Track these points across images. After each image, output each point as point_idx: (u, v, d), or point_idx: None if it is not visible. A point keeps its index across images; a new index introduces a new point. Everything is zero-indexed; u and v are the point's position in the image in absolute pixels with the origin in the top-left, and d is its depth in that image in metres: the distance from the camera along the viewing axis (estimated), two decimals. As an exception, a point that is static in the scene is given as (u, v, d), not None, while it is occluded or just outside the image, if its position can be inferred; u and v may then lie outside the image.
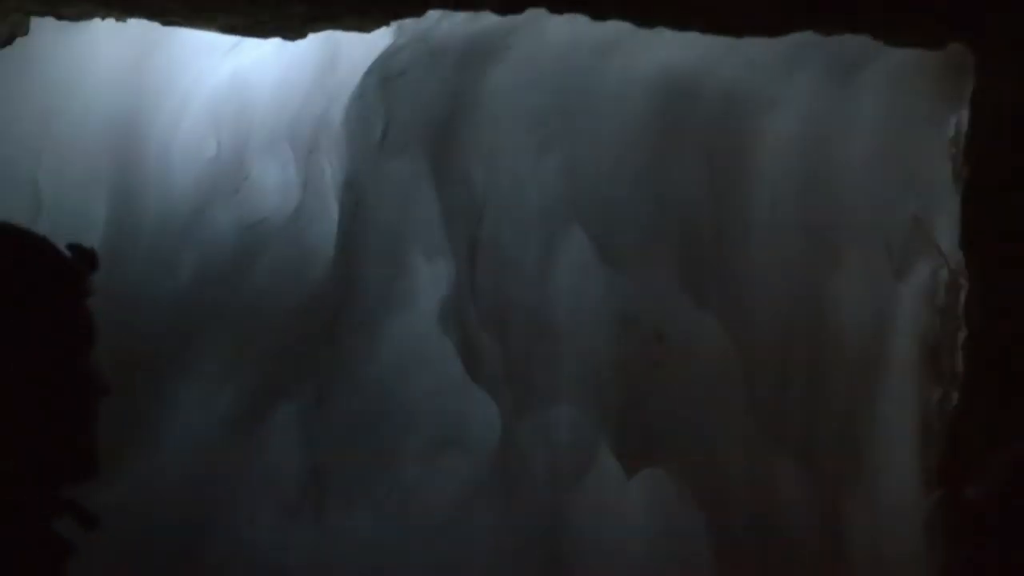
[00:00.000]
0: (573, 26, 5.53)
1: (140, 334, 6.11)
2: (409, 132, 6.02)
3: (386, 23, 5.76)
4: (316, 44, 5.97)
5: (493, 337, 5.90)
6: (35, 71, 6.07)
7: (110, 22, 5.89)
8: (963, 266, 5.25)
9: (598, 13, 5.26)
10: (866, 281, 5.52)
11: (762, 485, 5.61)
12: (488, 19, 5.65)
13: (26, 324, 1.81)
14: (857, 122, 5.50)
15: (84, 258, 1.88)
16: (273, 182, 6.33)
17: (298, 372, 6.14)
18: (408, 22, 5.76)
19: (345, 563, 5.92)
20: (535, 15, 5.37)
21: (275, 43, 5.93)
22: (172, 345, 6.19)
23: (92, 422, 1.87)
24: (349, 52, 6.13)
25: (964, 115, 5.28)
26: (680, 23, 5.26)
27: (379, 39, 5.93)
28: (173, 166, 6.32)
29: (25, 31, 5.89)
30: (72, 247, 1.88)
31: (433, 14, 5.65)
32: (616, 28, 5.37)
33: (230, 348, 6.23)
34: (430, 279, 6.07)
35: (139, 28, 5.94)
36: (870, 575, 5.41)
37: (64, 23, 5.92)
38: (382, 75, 6.02)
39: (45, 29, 5.93)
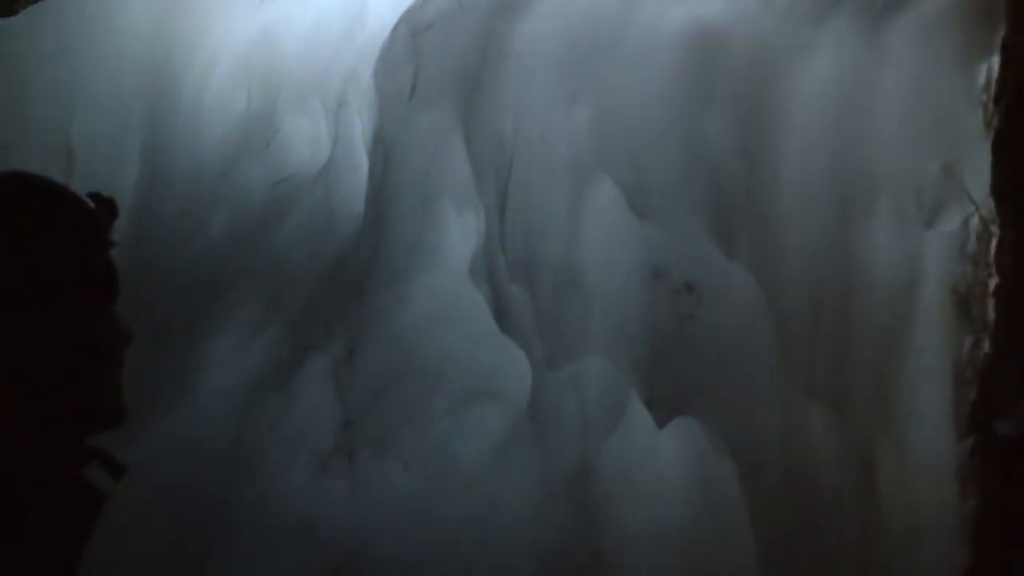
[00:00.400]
0: (601, -24, 5.52)
1: (172, 288, 6.15)
2: (438, 85, 6.01)
3: (414, -24, 5.73)
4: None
5: (523, 289, 5.90)
6: (67, 27, 6.08)
7: (141, -25, 5.91)
8: (994, 214, 5.23)
9: (627, -37, 5.22)
10: (896, 230, 5.49)
11: (794, 434, 5.60)
12: (516, -29, 5.64)
13: (48, 274, 1.82)
14: (887, 70, 5.46)
15: (104, 207, 1.89)
16: (303, 136, 6.34)
17: (329, 326, 6.17)
18: (436, -24, 5.75)
19: (377, 516, 5.96)
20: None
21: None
22: (204, 299, 6.21)
23: (117, 370, 1.89)
24: (377, 6, 6.13)
25: (995, 62, 5.24)
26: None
27: (406, -7, 5.93)
28: (203, 120, 6.35)
29: (57, -15, 5.91)
30: (92, 196, 1.89)
31: (461, -34, 5.63)
32: (645, -22, 5.35)
33: (261, 303, 6.26)
34: (460, 232, 6.07)
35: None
36: (902, 523, 5.40)
37: (95, -24, 5.93)
38: (411, 28, 6.01)
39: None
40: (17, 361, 1.80)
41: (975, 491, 5.15)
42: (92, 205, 1.87)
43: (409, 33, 6.02)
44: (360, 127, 6.23)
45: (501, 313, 5.95)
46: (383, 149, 6.10)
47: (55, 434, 1.84)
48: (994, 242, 5.26)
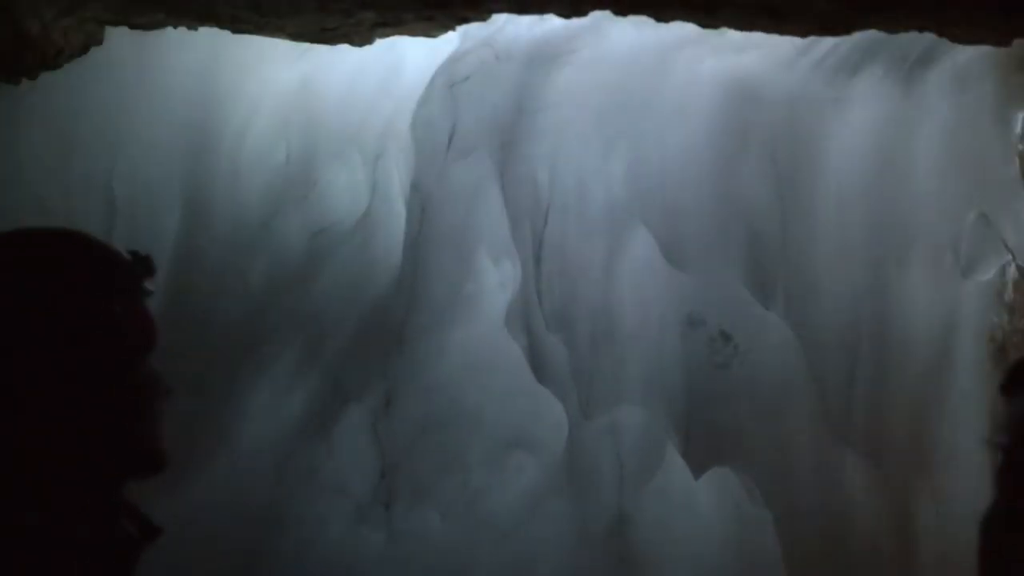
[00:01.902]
0: (637, 29, 5.55)
1: (212, 339, 6.19)
2: (475, 136, 6.06)
3: (452, 28, 5.79)
4: (382, 50, 6.01)
5: (559, 339, 5.93)
6: (109, 80, 6.15)
7: (181, 31, 5.97)
8: (1030, 263, 5.23)
9: (661, 15, 5.25)
10: (933, 279, 5.50)
11: (830, 484, 5.59)
12: (552, 22, 5.68)
13: (84, 327, 1.85)
14: (923, 121, 5.48)
15: (141, 263, 1.92)
16: (341, 187, 6.39)
17: (367, 375, 6.19)
18: (473, 27, 5.79)
19: (414, 565, 5.97)
20: (599, 18, 5.38)
21: (342, 49, 5.98)
22: (244, 350, 6.25)
23: (155, 423, 1.90)
24: (415, 57, 6.18)
25: (1031, 112, 5.26)
26: (744, 24, 5.25)
27: (445, 44, 5.97)
28: (243, 172, 6.39)
29: (99, 40, 5.98)
30: (131, 252, 1.92)
31: (498, 18, 5.68)
32: (680, 30, 5.37)
33: (300, 353, 6.29)
34: (496, 282, 6.10)
35: (209, 37, 6.01)
36: (938, 572, 5.38)
37: (136, 33, 6.00)
38: (448, 80, 6.06)
39: (118, 38, 6.01)
40: (53, 411, 1.82)
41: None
42: (128, 259, 1.91)
43: (446, 84, 6.07)
44: (398, 178, 6.28)
45: (537, 363, 5.97)
46: (420, 199, 6.14)
47: (91, 483, 1.84)
48: (1030, 291, 5.26)
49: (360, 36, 5.88)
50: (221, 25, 5.88)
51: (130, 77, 6.19)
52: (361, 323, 6.23)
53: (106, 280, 1.88)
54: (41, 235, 1.89)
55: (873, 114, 5.55)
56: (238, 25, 5.86)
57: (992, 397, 5.41)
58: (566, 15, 5.45)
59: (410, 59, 6.20)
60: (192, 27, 6.04)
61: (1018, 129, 5.33)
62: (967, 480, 5.40)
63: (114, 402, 1.85)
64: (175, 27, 5.95)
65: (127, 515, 1.87)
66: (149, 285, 1.91)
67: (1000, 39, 5.15)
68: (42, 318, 1.82)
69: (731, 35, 5.39)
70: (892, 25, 5.16)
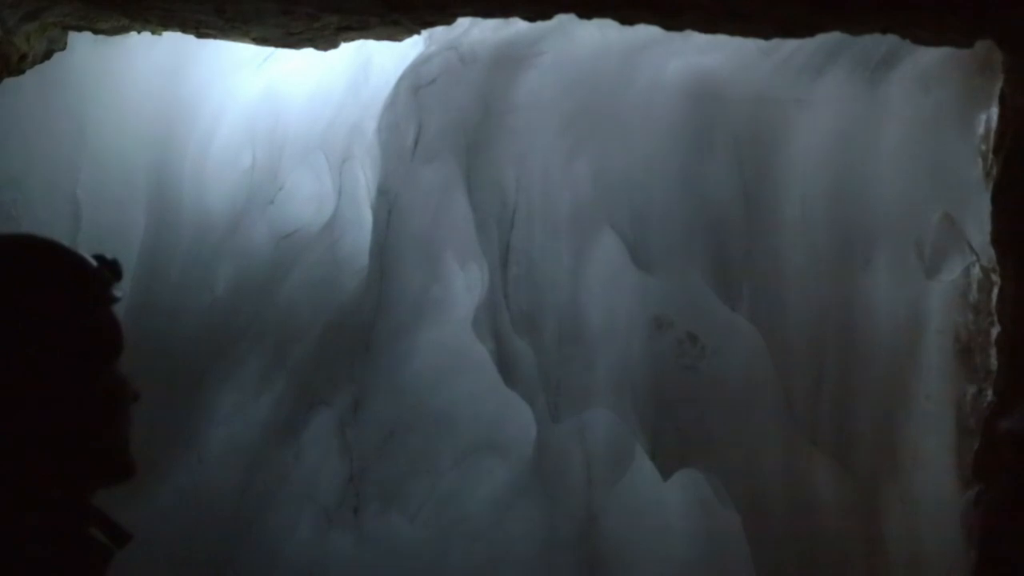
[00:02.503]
0: (602, 31, 5.56)
1: (179, 345, 6.17)
2: (441, 139, 6.06)
3: (417, 32, 5.79)
4: (348, 54, 6.02)
5: (527, 342, 5.93)
6: (73, 86, 6.13)
7: (145, 36, 5.95)
8: (995, 263, 5.25)
9: (626, 17, 5.26)
10: (898, 280, 5.52)
11: (798, 484, 5.61)
12: (518, 25, 5.68)
13: (52, 333, 1.84)
14: (887, 121, 5.50)
15: (107, 267, 1.91)
16: (308, 192, 6.39)
17: (335, 380, 6.19)
18: (438, 30, 5.79)
19: (383, 568, 5.96)
20: (564, 20, 5.39)
21: (308, 54, 5.98)
22: (210, 355, 6.24)
23: (124, 426, 1.90)
24: (380, 62, 6.18)
25: (994, 113, 5.28)
26: (708, 26, 5.26)
27: (410, 48, 5.97)
28: (208, 178, 6.38)
29: (63, 46, 5.96)
30: (96, 256, 1.92)
31: (463, 22, 5.68)
32: (645, 32, 5.38)
33: (267, 358, 6.29)
34: (463, 285, 6.10)
35: (173, 42, 6.00)
36: (908, 572, 5.40)
37: (100, 38, 5.98)
38: (413, 83, 6.06)
39: (82, 44, 5.99)
40: (22, 418, 1.82)
41: (979, 538, 5.15)
42: (95, 264, 1.90)
43: (412, 88, 6.06)
44: (364, 182, 6.28)
45: (505, 366, 5.97)
46: (387, 203, 6.14)
47: (61, 490, 1.85)
48: (995, 291, 5.28)
49: (325, 40, 5.88)
50: (185, 30, 5.87)
51: (94, 82, 6.18)
52: (328, 327, 6.23)
53: (72, 285, 1.87)
54: (6, 241, 1.89)
55: (837, 115, 5.57)
56: (202, 30, 5.85)
57: (957, 396, 5.44)
58: (531, 18, 5.45)
59: (376, 63, 6.20)
60: (156, 32, 6.02)
61: (981, 130, 5.36)
62: (934, 479, 5.44)
63: (83, 407, 1.86)
64: (139, 32, 5.93)
65: (96, 521, 1.87)
66: (116, 290, 1.91)
67: (963, 41, 5.17)
68: (8, 324, 1.82)
69: (695, 37, 5.40)
70: (855, 27, 5.17)
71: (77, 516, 1.86)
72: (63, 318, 1.85)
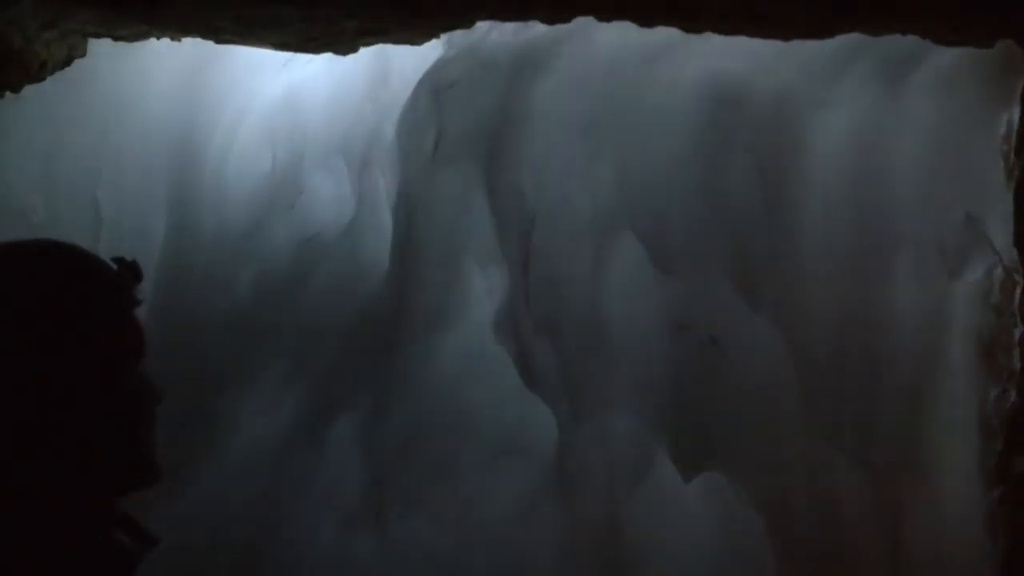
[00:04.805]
0: (621, 34, 5.55)
1: (200, 349, 6.18)
2: (461, 143, 6.06)
3: (436, 36, 5.80)
4: (367, 58, 6.02)
5: (548, 345, 5.92)
6: (93, 91, 6.15)
7: (165, 41, 5.96)
8: (1017, 263, 5.23)
9: (645, 20, 5.26)
10: (920, 281, 5.50)
11: (821, 487, 5.60)
12: (537, 28, 5.68)
13: (75, 337, 1.84)
14: (908, 122, 5.49)
15: (128, 270, 1.92)
16: (328, 196, 6.39)
17: (356, 384, 6.19)
18: (457, 34, 5.79)
19: (406, 572, 5.96)
20: (583, 23, 5.39)
21: (327, 58, 5.98)
22: (232, 360, 6.24)
23: (149, 429, 1.90)
24: (400, 65, 6.18)
25: (1015, 113, 5.26)
26: (728, 28, 5.26)
27: (430, 51, 5.97)
28: (229, 182, 6.39)
29: (83, 52, 5.97)
30: (116, 260, 1.92)
31: (482, 25, 5.68)
32: (664, 35, 5.38)
33: (289, 361, 6.29)
34: (484, 289, 6.10)
35: (193, 47, 6.01)
36: (931, 571, 5.38)
37: (120, 44, 5.99)
38: (433, 87, 6.06)
39: (102, 50, 6.01)
40: (47, 423, 1.82)
41: (1005, 539, 5.14)
42: (116, 268, 1.90)
43: (432, 92, 6.06)
44: (384, 185, 6.28)
45: (526, 369, 5.97)
46: (407, 207, 6.14)
47: (87, 494, 1.84)
48: (1018, 291, 5.26)
49: (344, 45, 5.89)
50: (204, 35, 5.88)
51: (114, 88, 6.19)
52: (349, 332, 6.23)
53: (94, 291, 1.88)
54: (27, 247, 1.89)
55: (858, 116, 5.56)
56: (221, 36, 5.86)
57: (981, 398, 5.42)
58: (550, 21, 5.45)
59: (395, 67, 6.21)
60: (176, 38, 6.03)
61: (1002, 131, 5.34)
62: (958, 482, 5.42)
63: (108, 411, 1.86)
64: (159, 38, 5.94)
65: (123, 526, 1.87)
66: (137, 293, 1.91)
67: (983, 41, 5.16)
68: (32, 329, 1.82)
69: (714, 39, 5.40)
70: (875, 28, 5.17)
71: (104, 520, 1.86)
72: (85, 323, 1.86)
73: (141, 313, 1.92)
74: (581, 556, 5.87)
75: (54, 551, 1.81)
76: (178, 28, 5.87)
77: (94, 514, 1.86)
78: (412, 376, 6.12)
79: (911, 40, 5.21)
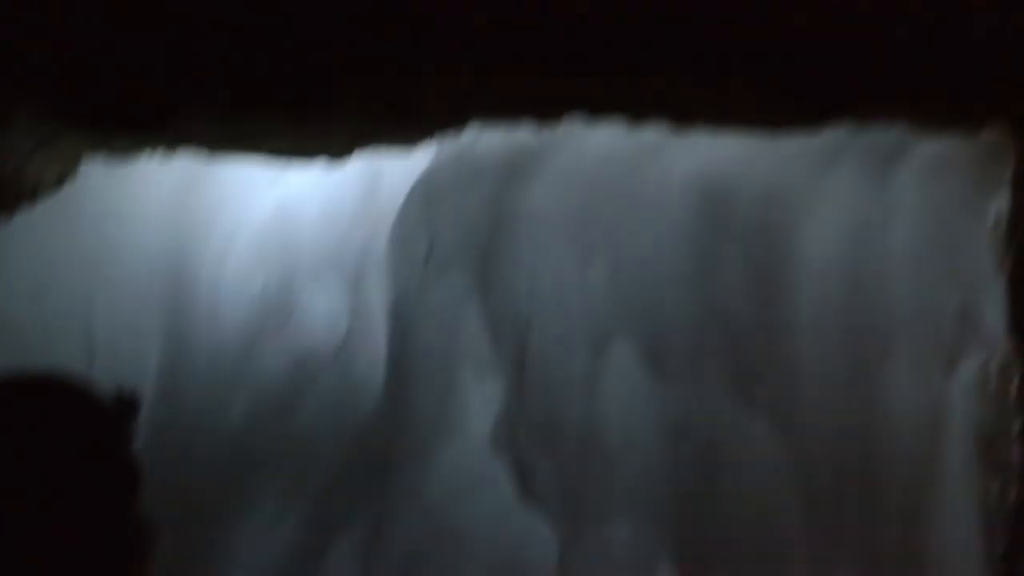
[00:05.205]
0: (610, 136, 5.57)
1: (196, 474, 6.13)
2: (452, 250, 6.05)
3: (428, 138, 5.79)
4: (358, 169, 6.02)
5: (545, 456, 5.87)
6: (84, 214, 6.14)
7: (155, 162, 5.97)
8: (1014, 353, 5.21)
9: (634, 119, 5.27)
10: (916, 376, 5.47)
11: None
12: (526, 132, 5.69)
13: (70, 473, 1.83)
14: (897, 214, 5.50)
15: (125, 403, 1.89)
16: (321, 312, 6.36)
17: (355, 504, 6.12)
18: (447, 141, 5.80)
19: None
20: (572, 129, 5.41)
21: (318, 172, 5.99)
22: (229, 483, 6.18)
23: (145, 568, 1.88)
24: (391, 176, 6.18)
25: (1004, 201, 5.27)
26: (716, 126, 5.28)
27: (420, 160, 5.98)
28: (222, 303, 6.37)
29: (75, 173, 5.97)
30: (117, 391, 1.90)
31: (471, 132, 5.69)
32: (652, 136, 5.40)
33: (286, 484, 6.23)
34: (480, 399, 6.06)
35: (183, 166, 6.02)
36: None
37: (112, 163, 5.99)
38: (424, 195, 6.06)
39: (93, 171, 6.01)
40: (45, 562, 1.79)
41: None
42: (113, 402, 1.88)
43: (422, 200, 6.06)
44: (377, 298, 6.26)
45: (524, 481, 5.92)
46: (401, 319, 6.11)
47: None
48: (1015, 382, 5.23)
49: (337, 149, 5.88)
50: (198, 143, 5.87)
51: (107, 208, 6.19)
52: (346, 450, 6.17)
53: (91, 426, 1.85)
54: (23, 382, 1.87)
55: (848, 209, 5.57)
56: (214, 146, 5.85)
57: (982, 495, 5.36)
58: (539, 124, 5.46)
59: (386, 178, 6.21)
60: (168, 151, 6.03)
61: (992, 219, 5.34)
62: (963, 579, 5.35)
63: (106, 550, 1.83)
64: (152, 151, 5.92)
65: None
66: (134, 425, 1.89)
67: (969, 129, 5.18)
68: (26, 466, 1.81)
69: (702, 137, 5.42)
70: (862, 120, 5.18)
71: None
72: (81, 460, 1.83)
73: (136, 442, 1.90)
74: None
75: None
76: (172, 140, 5.87)
77: None
78: (411, 494, 6.05)
79: (897, 132, 5.23)
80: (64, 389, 1.86)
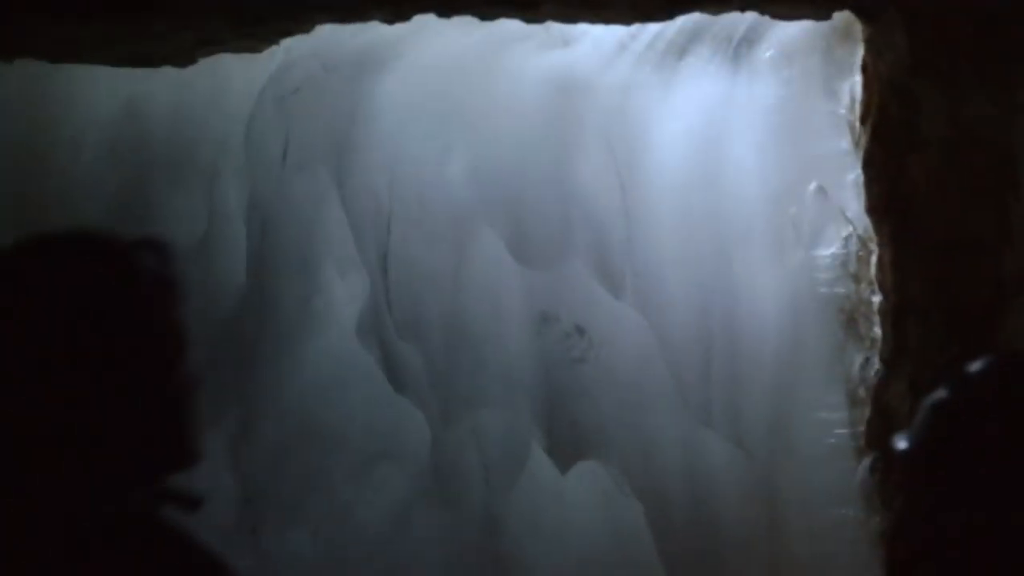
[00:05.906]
0: (463, 30, 5.51)
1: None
2: (310, 148, 5.97)
3: (276, 42, 5.71)
4: (206, 69, 5.90)
5: (413, 347, 5.86)
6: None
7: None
8: (871, 232, 5.28)
9: (486, 14, 5.23)
10: (778, 256, 5.53)
11: (696, 469, 5.62)
12: (377, 29, 5.61)
13: (114, 329, 1.96)
14: (753, 99, 5.52)
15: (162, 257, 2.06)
16: (178, 212, 6.24)
17: (222, 401, 6.06)
18: (297, 38, 5.70)
19: (286, 586, 5.90)
20: (423, 21, 5.35)
21: (165, 71, 5.86)
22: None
23: (188, 415, 2.07)
24: (241, 73, 6.06)
25: (857, 82, 5.31)
26: (567, 17, 5.25)
27: (269, 59, 5.87)
28: (76, 202, 6.23)
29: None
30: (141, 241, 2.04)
31: (321, 29, 5.60)
32: (506, 28, 5.35)
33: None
34: (345, 295, 6.02)
35: (25, 68, 5.86)
36: (810, 547, 5.43)
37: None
38: (276, 93, 5.95)
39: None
40: (102, 408, 1.92)
41: (879, 510, 5.18)
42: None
43: (275, 99, 5.96)
44: (235, 197, 6.15)
45: (393, 372, 5.90)
46: (260, 217, 6.02)
47: (136, 476, 1.97)
48: (874, 260, 5.31)
49: (182, 57, 5.78)
50: (38, 56, 5.75)
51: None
52: (210, 348, 6.10)
53: (149, 285, 2.02)
54: (68, 238, 1.99)
55: (704, 96, 5.57)
56: (57, 57, 5.73)
57: (846, 367, 5.47)
58: (390, 21, 5.40)
59: (236, 76, 6.08)
60: (8, 60, 5.89)
61: (847, 101, 5.38)
62: (828, 453, 5.46)
63: (155, 400, 2.00)
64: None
65: (166, 497, 2.01)
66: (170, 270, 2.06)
67: (820, 13, 5.20)
68: (75, 316, 1.93)
69: (557, 29, 5.38)
70: (714, 7, 5.19)
71: (150, 500, 1.99)
72: (136, 316, 1.98)
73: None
74: (462, 555, 5.84)
75: (105, 527, 1.92)
76: (12, 50, 5.74)
77: (140, 492, 1.97)
78: (278, 388, 6.02)
79: (750, 17, 5.24)
80: (106, 243, 1.99)
